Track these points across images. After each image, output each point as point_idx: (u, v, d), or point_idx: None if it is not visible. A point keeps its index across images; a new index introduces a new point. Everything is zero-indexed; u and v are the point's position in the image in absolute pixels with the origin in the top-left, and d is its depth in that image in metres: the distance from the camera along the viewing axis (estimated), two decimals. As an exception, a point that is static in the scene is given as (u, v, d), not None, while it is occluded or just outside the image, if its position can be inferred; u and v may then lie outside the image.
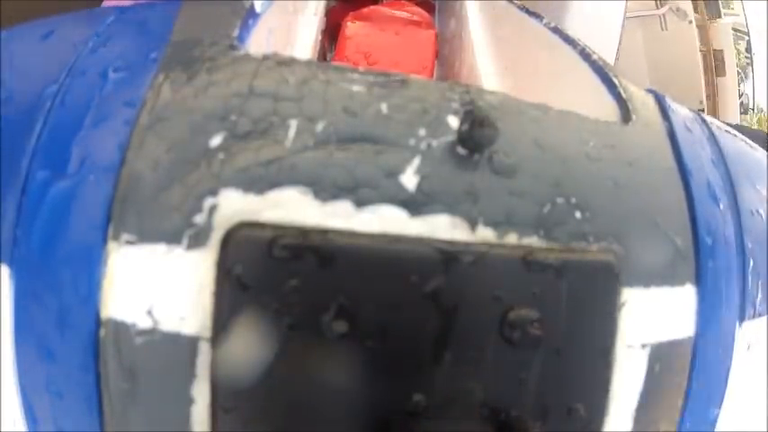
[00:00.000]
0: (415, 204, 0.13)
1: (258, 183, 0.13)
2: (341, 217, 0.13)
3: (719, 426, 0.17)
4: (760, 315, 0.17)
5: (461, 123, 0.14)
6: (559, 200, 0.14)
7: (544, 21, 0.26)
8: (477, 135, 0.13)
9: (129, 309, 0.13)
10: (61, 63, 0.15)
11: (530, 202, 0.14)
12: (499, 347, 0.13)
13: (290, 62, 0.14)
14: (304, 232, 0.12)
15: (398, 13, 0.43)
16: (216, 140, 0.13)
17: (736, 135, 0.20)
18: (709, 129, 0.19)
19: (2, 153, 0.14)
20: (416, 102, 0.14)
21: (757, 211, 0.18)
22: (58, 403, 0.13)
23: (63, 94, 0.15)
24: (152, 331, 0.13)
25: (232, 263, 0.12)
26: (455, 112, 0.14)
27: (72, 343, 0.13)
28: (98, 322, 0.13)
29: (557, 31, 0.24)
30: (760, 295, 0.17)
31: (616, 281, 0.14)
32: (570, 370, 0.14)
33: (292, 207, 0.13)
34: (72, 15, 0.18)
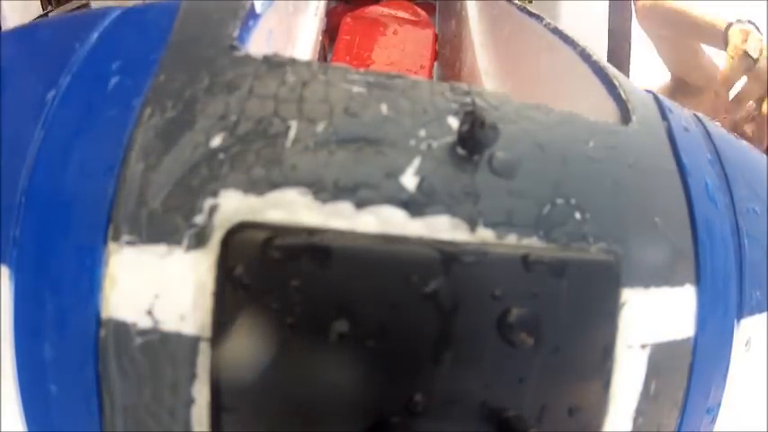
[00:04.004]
0: (415, 205, 0.13)
1: (258, 183, 0.13)
2: (341, 217, 0.13)
3: (719, 425, 0.17)
4: (758, 312, 0.17)
5: (461, 124, 0.14)
6: (559, 200, 0.14)
7: (544, 21, 0.26)
8: (477, 136, 0.13)
9: (130, 309, 0.13)
10: (61, 64, 0.15)
11: (530, 202, 0.14)
12: (499, 348, 0.13)
13: (291, 63, 0.14)
14: (304, 233, 0.12)
15: (397, 13, 0.43)
16: (216, 141, 0.13)
17: (731, 135, 0.21)
18: (706, 128, 0.19)
19: (2, 153, 0.14)
20: (416, 103, 0.14)
21: (753, 210, 0.18)
22: (58, 403, 0.13)
23: (63, 94, 0.15)
24: (152, 331, 0.13)
25: (232, 263, 0.12)
26: (455, 113, 0.14)
27: (72, 343, 0.13)
28: (98, 322, 0.13)
29: (556, 31, 0.24)
30: (758, 292, 0.17)
31: (616, 281, 0.14)
32: (570, 370, 0.14)
33: (293, 208, 0.13)
34: (72, 16, 0.18)
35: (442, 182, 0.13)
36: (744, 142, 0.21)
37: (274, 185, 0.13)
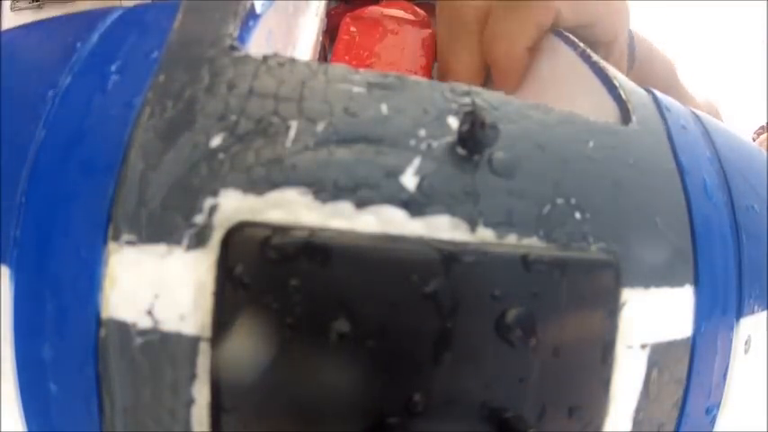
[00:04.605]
0: (415, 205, 0.13)
1: (258, 183, 0.13)
2: (341, 217, 0.13)
3: (718, 425, 0.17)
4: (758, 310, 0.17)
5: (461, 124, 0.14)
6: (559, 200, 0.14)
7: (544, 22, 0.26)
8: (477, 136, 0.13)
9: (130, 309, 0.13)
10: (61, 63, 0.15)
11: (529, 202, 0.14)
12: (499, 347, 0.13)
13: (291, 63, 0.14)
14: (304, 232, 0.12)
15: (397, 13, 0.43)
16: (216, 141, 0.13)
17: (728, 130, 0.21)
18: (703, 125, 0.19)
19: (2, 153, 0.14)
20: (416, 102, 0.14)
21: (752, 207, 0.18)
22: (58, 403, 0.13)
23: (63, 94, 0.15)
24: (152, 331, 0.13)
25: (232, 263, 0.12)
26: (455, 113, 0.14)
27: (72, 343, 0.13)
28: (99, 322, 0.13)
29: (557, 32, 0.24)
30: (757, 291, 0.17)
31: (616, 281, 0.14)
32: (570, 370, 0.14)
33: (293, 207, 0.13)
34: (72, 16, 0.18)
35: (442, 182, 0.13)
36: (744, 139, 0.21)
37: (274, 185, 0.13)
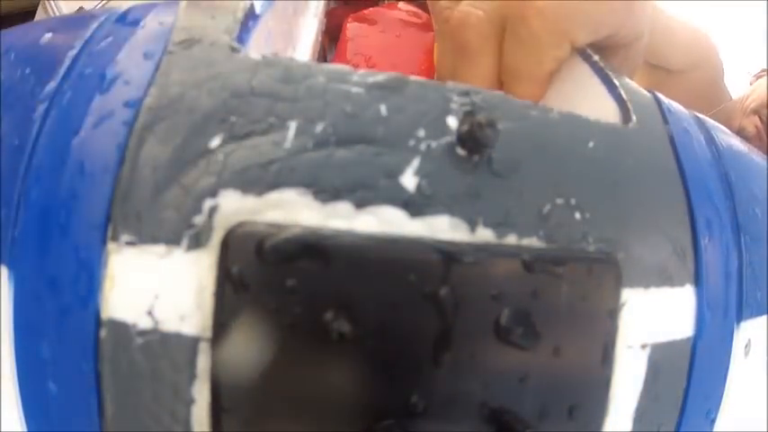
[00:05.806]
0: (414, 205, 0.13)
1: (258, 184, 0.13)
2: (341, 218, 0.13)
3: (718, 426, 0.17)
4: (759, 314, 0.17)
5: (461, 124, 0.14)
6: (559, 201, 0.14)
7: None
8: (476, 136, 0.13)
9: (130, 309, 0.13)
10: (60, 64, 0.15)
11: (529, 202, 0.14)
12: (499, 348, 0.13)
13: (290, 63, 0.14)
14: (303, 232, 0.12)
15: (399, 15, 0.43)
16: (215, 141, 0.13)
17: (731, 134, 0.21)
18: (707, 128, 0.19)
19: (0, 153, 0.14)
20: (415, 103, 0.14)
21: (753, 210, 0.18)
22: (58, 403, 0.13)
23: (61, 94, 0.15)
24: (152, 332, 0.13)
25: (232, 263, 0.12)
26: (454, 113, 0.14)
27: (72, 344, 0.13)
28: (98, 323, 0.13)
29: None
30: (759, 294, 0.17)
31: (616, 281, 0.14)
32: (570, 370, 0.14)
33: (292, 208, 0.13)
34: (72, 16, 0.18)
35: (441, 182, 0.13)
36: (745, 143, 0.21)
37: (273, 186, 0.13)
